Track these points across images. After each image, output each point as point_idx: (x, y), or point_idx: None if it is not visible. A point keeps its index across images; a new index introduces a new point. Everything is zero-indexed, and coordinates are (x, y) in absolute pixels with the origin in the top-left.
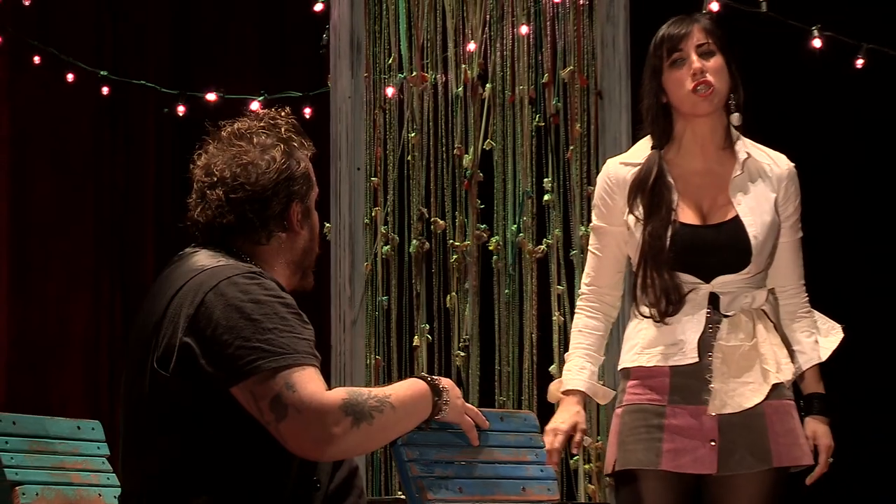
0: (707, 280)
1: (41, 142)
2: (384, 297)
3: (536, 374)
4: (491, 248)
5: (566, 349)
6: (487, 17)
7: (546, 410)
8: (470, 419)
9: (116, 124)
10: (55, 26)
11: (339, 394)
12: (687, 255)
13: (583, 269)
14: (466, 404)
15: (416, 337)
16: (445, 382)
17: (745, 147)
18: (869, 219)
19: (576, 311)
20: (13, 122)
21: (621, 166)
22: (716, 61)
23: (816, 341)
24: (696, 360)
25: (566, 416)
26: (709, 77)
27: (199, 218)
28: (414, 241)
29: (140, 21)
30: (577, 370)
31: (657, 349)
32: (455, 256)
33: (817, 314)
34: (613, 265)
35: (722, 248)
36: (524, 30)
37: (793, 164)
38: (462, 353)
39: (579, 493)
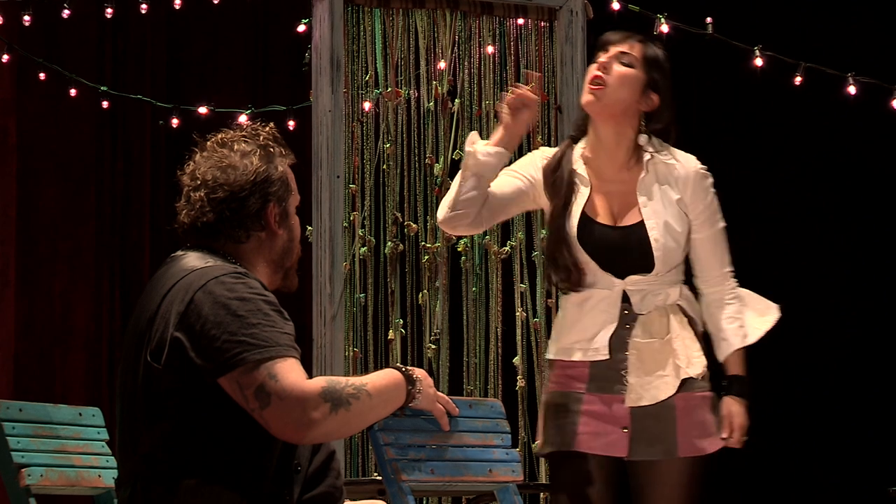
0: (621, 277)
1: (47, 151)
2: (361, 295)
3: (501, 366)
4: (459, 249)
5: (528, 342)
6: (456, 37)
7: (511, 400)
8: (441, 406)
9: (116, 135)
10: (59, 46)
11: (319, 382)
12: (600, 252)
13: (544, 271)
14: (438, 392)
15: (390, 331)
16: (419, 372)
17: (652, 148)
18: (805, 216)
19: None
20: (21, 133)
21: (543, 159)
22: (628, 71)
23: (741, 326)
24: (608, 357)
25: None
26: (608, 77)
27: (184, 220)
28: (389, 243)
29: (138, 41)
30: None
31: (575, 344)
32: (426, 257)
33: (754, 296)
34: (504, 194)
35: (629, 250)
36: (490, 49)
37: (700, 166)
38: (433, 346)
39: (540, 474)
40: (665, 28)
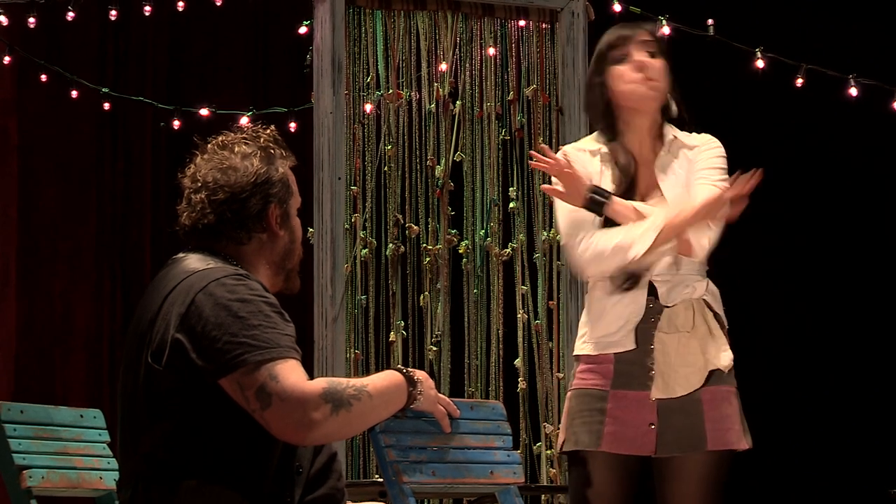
0: (648, 267)
1: (48, 151)
2: (363, 297)
3: (502, 367)
4: (461, 251)
5: (530, 344)
6: (457, 39)
7: (512, 402)
8: (442, 408)
9: (116, 136)
10: (61, 47)
11: (320, 383)
12: None
13: (545, 273)
14: (439, 394)
15: (392, 333)
16: (420, 374)
17: (674, 131)
18: (806, 217)
19: (584, 244)
20: (22, 134)
21: (578, 151)
22: (661, 61)
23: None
24: (634, 347)
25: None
26: (653, 72)
27: (185, 222)
28: (390, 245)
29: (138, 43)
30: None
31: (601, 338)
32: (428, 259)
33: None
34: None
35: None
36: (491, 51)
37: (714, 139)
38: (434, 348)
39: (542, 476)
40: (666, 29)
